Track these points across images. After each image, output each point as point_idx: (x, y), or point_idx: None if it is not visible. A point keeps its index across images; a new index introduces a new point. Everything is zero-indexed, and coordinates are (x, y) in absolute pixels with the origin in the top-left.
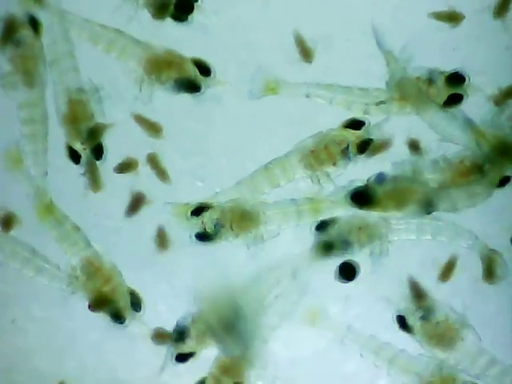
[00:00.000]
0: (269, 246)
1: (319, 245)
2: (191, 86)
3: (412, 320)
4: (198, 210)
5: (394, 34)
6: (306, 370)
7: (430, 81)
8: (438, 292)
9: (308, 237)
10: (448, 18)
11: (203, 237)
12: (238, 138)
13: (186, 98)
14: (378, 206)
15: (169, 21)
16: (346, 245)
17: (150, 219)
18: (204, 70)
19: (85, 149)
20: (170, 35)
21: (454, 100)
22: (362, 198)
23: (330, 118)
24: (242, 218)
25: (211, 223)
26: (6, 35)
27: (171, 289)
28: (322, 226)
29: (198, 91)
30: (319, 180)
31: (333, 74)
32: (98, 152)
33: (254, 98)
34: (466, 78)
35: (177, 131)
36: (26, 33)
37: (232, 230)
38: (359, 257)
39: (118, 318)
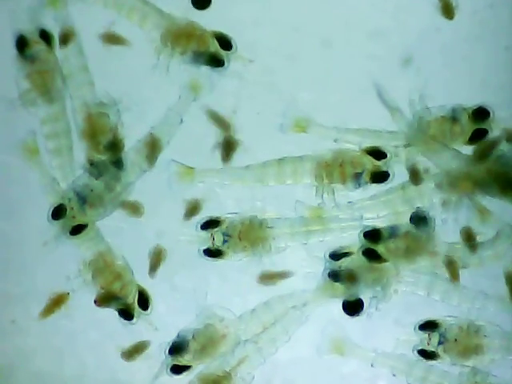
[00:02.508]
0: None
1: (328, 272)
2: (214, 60)
3: (432, 348)
4: (208, 224)
5: (394, 34)
6: (306, 370)
7: (454, 119)
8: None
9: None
10: (445, 10)
11: (212, 253)
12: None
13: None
14: (386, 251)
15: None
16: (352, 279)
17: (150, 221)
18: (225, 43)
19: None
20: None
21: (479, 135)
22: (373, 236)
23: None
24: (251, 229)
25: (220, 235)
26: (20, 52)
27: (172, 289)
28: (336, 255)
29: (222, 66)
30: (323, 193)
31: (332, 74)
32: (117, 165)
33: (283, 132)
34: (491, 113)
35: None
36: (39, 47)
37: (240, 240)
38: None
39: (125, 314)
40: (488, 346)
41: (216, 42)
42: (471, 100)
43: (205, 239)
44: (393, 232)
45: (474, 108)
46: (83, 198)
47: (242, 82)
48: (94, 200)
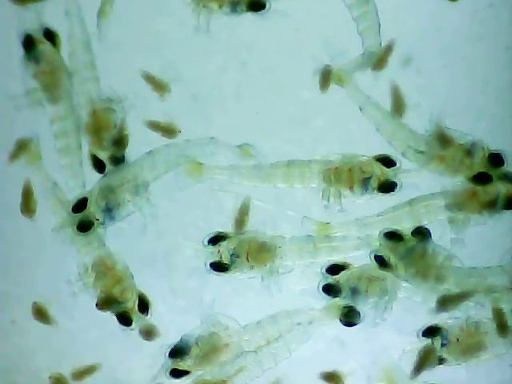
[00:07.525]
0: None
1: (326, 286)
2: (255, 3)
3: (438, 351)
4: (215, 239)
5: (393, 34)
6: (306, 370)
7: (469, 152)
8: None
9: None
10: None
11: (218, 267)
12: (238, 137)
13: (185, 99)
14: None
15: None
16: (353, 292)
17: (151, 223)
18: None
19: (110, 158)
20: None
21: (482, 179)
22: (394, 237)
23: (326, 120)
24: (259, 251)
25: (227, 253)
26: (27, 52)
27: (172, 289)
28: (333, 269)
29: (263, 8)
30: (329, 197)
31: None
32: (119, 162)
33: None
34: (505, 163)
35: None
36: (44, 47)
37: (248, 261)
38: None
39: (124, 319)
40: (489, 341)
41: None
42: (471, 100)
43: (212, 252)
44: (408, 253)
45: (492, 152)
46: (110, 211)
47: (242, 81)
48: (116, 215)
